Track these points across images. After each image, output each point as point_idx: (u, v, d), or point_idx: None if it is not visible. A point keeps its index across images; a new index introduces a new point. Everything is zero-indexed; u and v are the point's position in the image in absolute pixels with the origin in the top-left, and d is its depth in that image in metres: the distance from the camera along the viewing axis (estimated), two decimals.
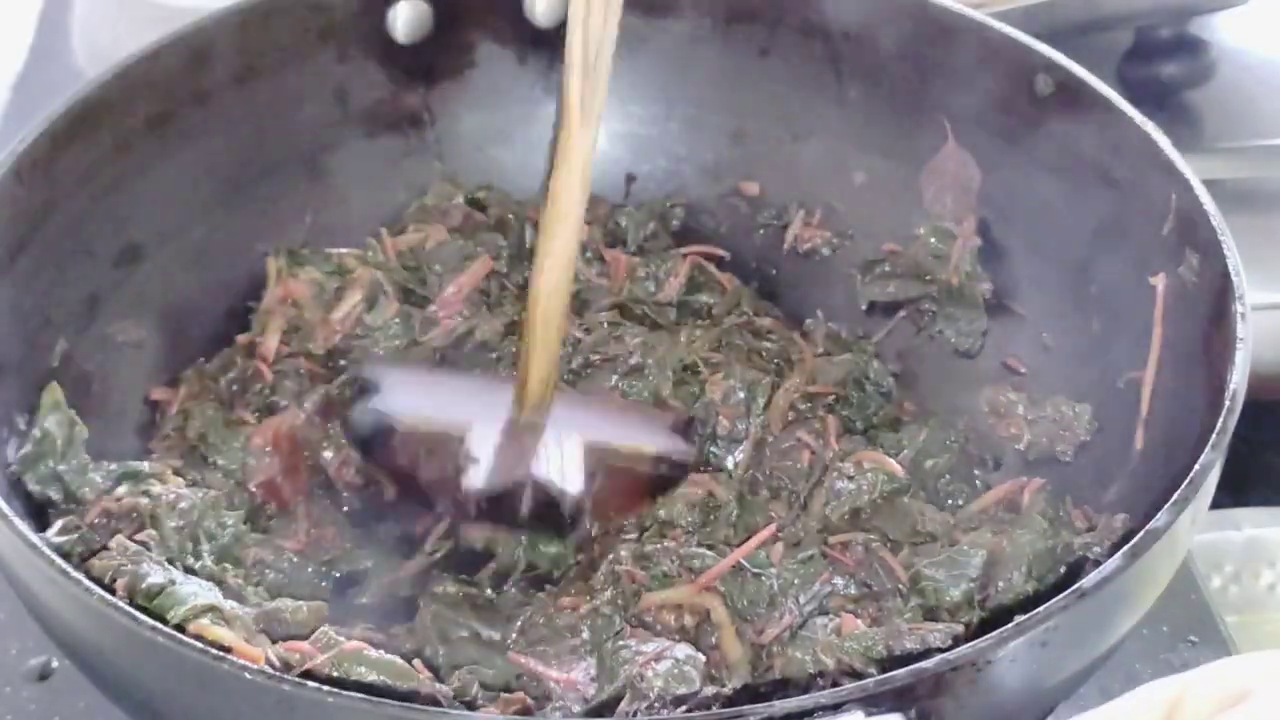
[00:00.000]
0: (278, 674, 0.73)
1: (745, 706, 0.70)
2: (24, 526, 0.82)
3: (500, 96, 1.26)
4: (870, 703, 0.69)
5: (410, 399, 1.08)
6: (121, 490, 0.95)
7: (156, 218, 1.10)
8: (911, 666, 0.71)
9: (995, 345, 1.18)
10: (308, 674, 0.82)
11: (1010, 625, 0.73)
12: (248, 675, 0.72)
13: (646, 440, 1.08)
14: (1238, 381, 0.87)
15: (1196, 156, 1.03)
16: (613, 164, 1.30)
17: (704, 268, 1.23)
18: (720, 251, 1.25)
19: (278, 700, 0.72)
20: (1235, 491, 1.23)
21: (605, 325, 1.16)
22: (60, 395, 0.98)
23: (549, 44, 1.25)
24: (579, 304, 1.19)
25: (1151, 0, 1.49)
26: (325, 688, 0.72)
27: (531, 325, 1.02)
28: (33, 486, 0.94)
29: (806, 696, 0.70)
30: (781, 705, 0.69)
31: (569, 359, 1.14)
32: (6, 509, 0.82)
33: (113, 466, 0.97)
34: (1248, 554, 1.25)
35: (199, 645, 0.74)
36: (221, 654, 0.74)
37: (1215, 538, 1.24)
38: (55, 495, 0.94)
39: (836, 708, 0.68)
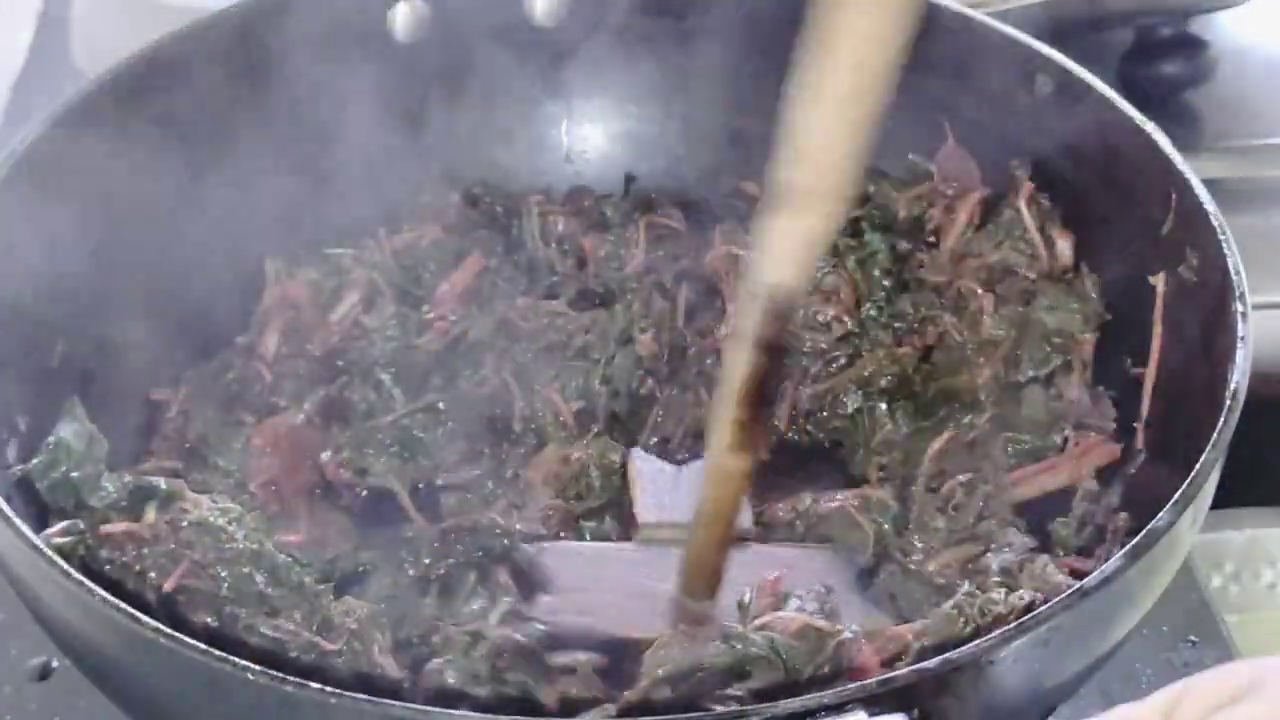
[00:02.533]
0: (280, 675, 0.73)
1: (749, 706, 0.71)
2: (26, 528, 0.82)
3: (500, 97, 1.27)
4: (873, 703, 0.69)
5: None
6: (151, 516, 0.93)
7: (155, 218, 1.10)
8: (914, 666, 0.72)
9: None
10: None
11: (1013, 625, 0.74)
12: (251, 676, 0.72)
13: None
14: (1239, 380, 0.88)
15: (1196, 156, 1.04)
16: (612, 163, 1.31)
17: (665, 227, 1.24)
18: (673, 224, 1.24)
19: (280, 701, 0.72)
20: (1235, 491, 1.24)
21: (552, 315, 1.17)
22: (81, 410, 0.98)
23: (548, 44, 1.26)
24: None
25: (1152, 0, 1.50)
26: (328, 688, 0.72)
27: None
28: (42, 490, 0.93)
29: (809, 696, 0.70)
30: (785, 705, 0.70)
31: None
32: (9, 511, 0.83)
33: (127, 479, 0.95)
34: (1248, 554, 1.26)
35: (202, 647, 0.75)
36: (225, 656, 0.74)
37: (1215, 538, 1.25)
38: (66, 503, 0.94)
39: (840, 707, 0.69)
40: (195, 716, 0.79)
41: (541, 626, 0.94)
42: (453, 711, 0.73)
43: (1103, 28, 1.52)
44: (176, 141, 1.10)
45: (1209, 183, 1.01)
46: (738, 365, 0.86)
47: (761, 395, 0.87)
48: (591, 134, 1.31)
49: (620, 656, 0.93)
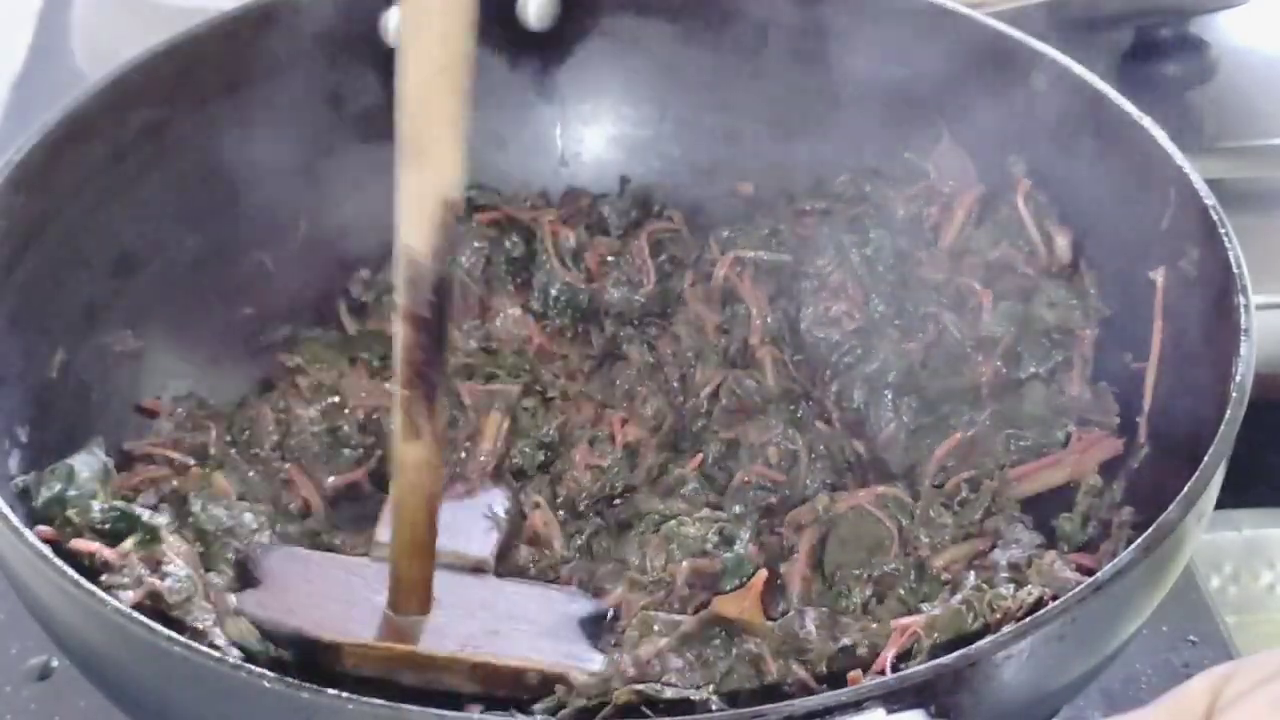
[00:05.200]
0: (295, 682, 0.74)
1: (765, 706, 0.72)
2: (35, 538, 0.83)
3: (493, 100, 1.28)
4: (891, 699, 0.71)
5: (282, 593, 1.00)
6: (128, 545, 0.93)
7: (152, 226, 1.12)
8: (932, 662, 0.74)
9: None
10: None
11: (1028, 620, 0.76)
12: (266, 684, 0.74)
13: (540, 651, 0.96)
14: (1244, 373, 0.90)
15: (1196, 156, 1.04)
16: (607, 166, 1.33)
17: (666, 230, 1.27)
18: (674, 225, 1.27)
19: (295, 708, 0.74)
20: (1235, 491, 1.26)
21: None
22: (100, 448, 0.99)
23: (541, 47, 1.28)
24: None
25: (1152, 0, 1.53)
26: (344, 694, 0.73)
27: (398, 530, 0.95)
28: (37, 504, 0.94)
29: (827, 694, 0.72)
30: (802, 704, 0.71)
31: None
32: (16, 521, 0.84)
33: (114, 503, 0.96)
34: (1247, 554, 1.29)
35: (216, 655, 0.77)
36: (240, 664, 0.76)
37: (1215, 538, 1.27)
38: (55, 515, 0.94)
39: (857, 705, 0.71)
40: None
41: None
42: (475, 715, 0.76)
43: (1103, 28, 1.53)
44: (170, 148, 1.12)
45: (1209, 183, 1.02)
46: (398, 343, 0.86)
47: (423, 377, 0.86)
48: (586, 137, 1.33)
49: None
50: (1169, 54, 1.60)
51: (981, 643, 0.74)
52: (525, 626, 0.98)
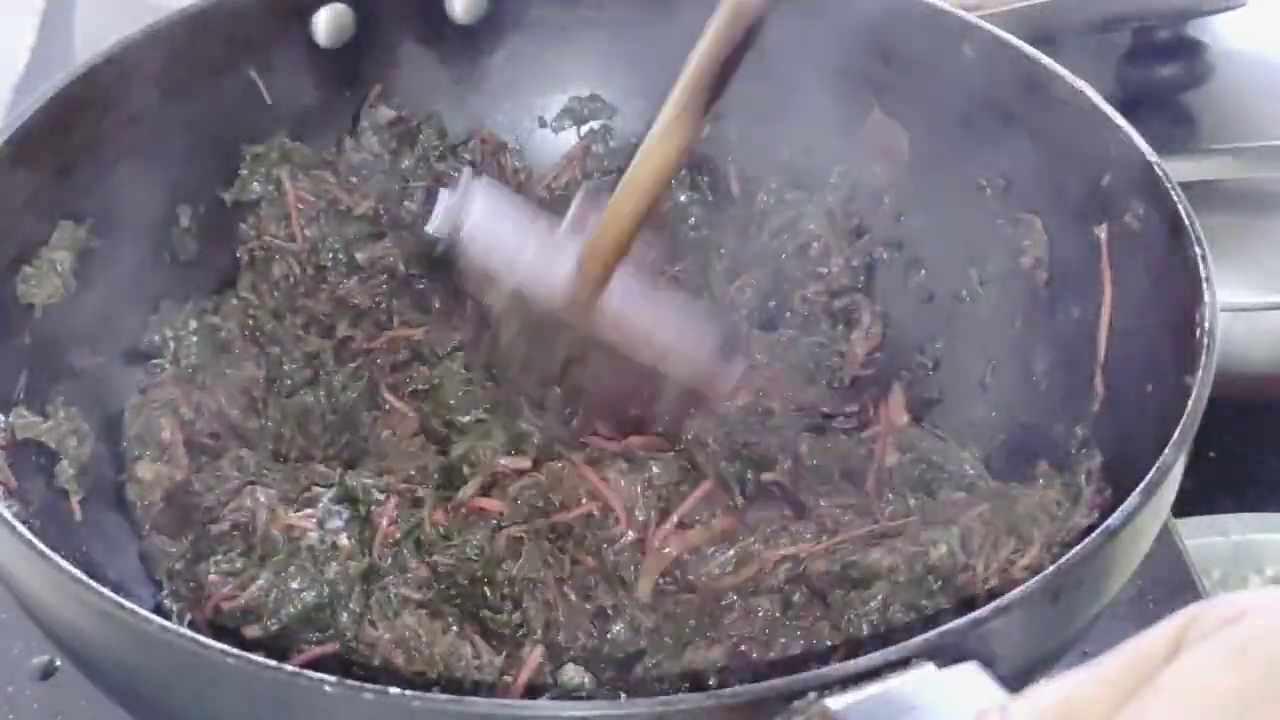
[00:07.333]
0: (316, 676, 0.82)
1: (811, 672, 0.80)
2: (29, 533, 0.94)
3: (424, 95, 1.46)
4: (937, 654, 0.80)
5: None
6: None
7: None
8: (972, 615, 0.84)
9: None
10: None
11: (1050, 571, 0.87)
12: (272, 674, 0.82)
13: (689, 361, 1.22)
14: (1211, 319, 1.00)
15: (1195, 158, 1.14)
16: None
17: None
18: None
19: (311, 701, 0.83)
20: (1222, 497, 1.39)
21: None
22: None
23: (469, 41, 1.42)
24: None
25: (1150, 2, 1.67)
26: (367, 685, 0.81)
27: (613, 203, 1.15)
28: None
29: (873, 655, 0.80)
30: (851, 665, 0.80)
31: None
32: (10, 517, 0.94)
33: None
34: (1235, 559, 1.41)
35: (220, 647, 0.85)
36: (244, 655, 0.84)
37: (1203, 543, 1.39)
38: None
39: (904, 663, 0.79)
40: (210, 716, 0.88)
41: None
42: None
43: (1101, 30, 1.67)
44: (109, 163, 1.27)
45: (1207, 184, 1.11)
46: (719, 29, 1.08)
47: (714, 82, 1.11)
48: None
49: None
50: (1167, 56, 1.75)
51: (1024, 585, 0.85)
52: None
